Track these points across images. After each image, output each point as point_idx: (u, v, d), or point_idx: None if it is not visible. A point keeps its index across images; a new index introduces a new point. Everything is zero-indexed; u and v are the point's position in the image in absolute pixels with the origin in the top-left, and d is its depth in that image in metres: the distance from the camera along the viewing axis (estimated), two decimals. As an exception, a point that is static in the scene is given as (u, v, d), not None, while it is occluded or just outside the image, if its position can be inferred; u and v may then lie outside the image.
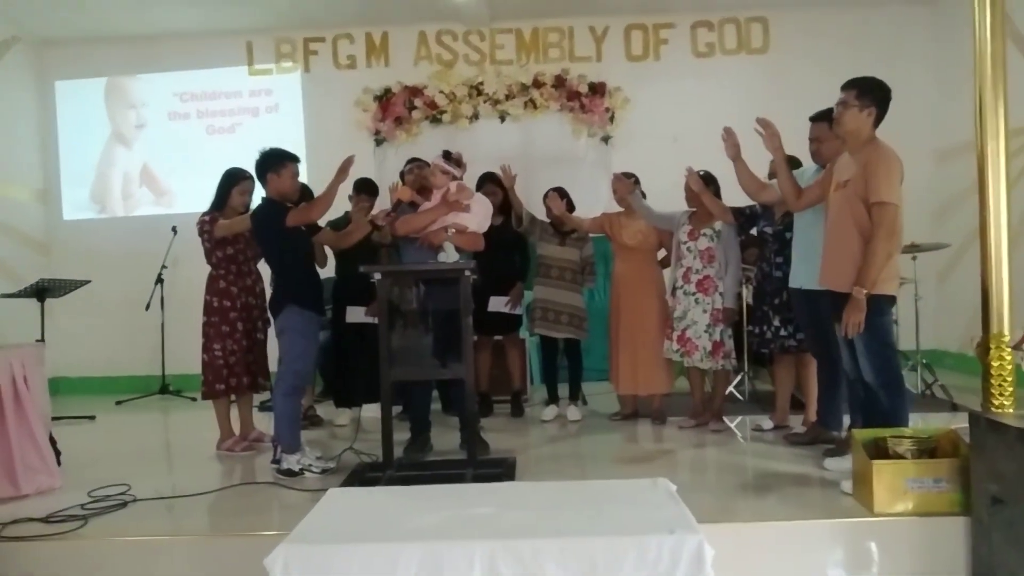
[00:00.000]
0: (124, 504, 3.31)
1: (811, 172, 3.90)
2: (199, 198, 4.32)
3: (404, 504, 2.60)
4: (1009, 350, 2.97)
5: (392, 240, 4.38)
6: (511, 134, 6.77)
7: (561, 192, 4.85)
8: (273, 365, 4.09)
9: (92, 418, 5.57)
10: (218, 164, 4.47)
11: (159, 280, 6.34)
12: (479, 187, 4.85)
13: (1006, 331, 3.07)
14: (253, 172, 3.94)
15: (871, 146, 3.19)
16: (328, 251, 4.82)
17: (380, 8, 6.58)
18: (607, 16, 6.80)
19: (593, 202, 5.65)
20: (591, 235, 4.93)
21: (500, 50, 6.91)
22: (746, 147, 3.82)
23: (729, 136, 3.78)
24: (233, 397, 4.32)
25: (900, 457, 2.93)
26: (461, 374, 3.56)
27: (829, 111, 3.44)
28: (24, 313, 5.54)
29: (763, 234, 4.30)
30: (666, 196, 4.70)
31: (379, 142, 6.84)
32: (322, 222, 4.50)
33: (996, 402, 3.07)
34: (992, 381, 3.07)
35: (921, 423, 4.12)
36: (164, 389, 6.37)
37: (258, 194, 4.05)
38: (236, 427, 4.38)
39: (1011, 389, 3.05)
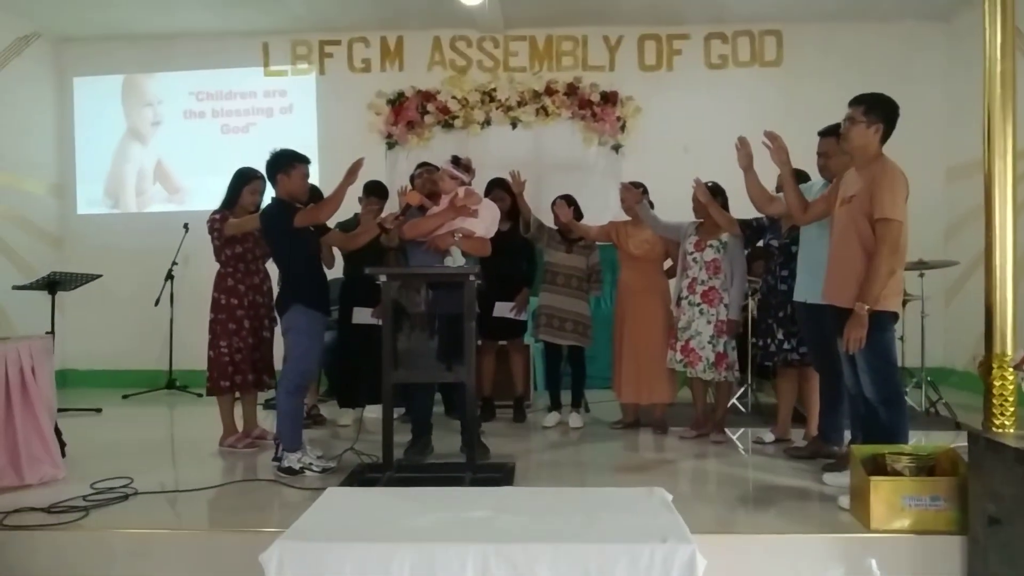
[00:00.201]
0: (125, 497, 3.35)
1: (818, 186, 3.90)
2: (212, 196, 4.38)
3: (400, 505, 2.62)
4: (1011, 370, 2.96)
5: (400, 243, 4.41)
6: (522, 141, 6.81)
7: (569, 200, 4.87)
8: (279, 363, 4.12)
9: (99, 411, 5.62)
10: (231, 163, 4.51)
11: (169, 276, 6.41)
12: (488, 193, 4.87)
13: (1009, 350, 3.06)
14: (264, 172, 3.98)
15: (877, 162, 3.19)
16: (336, 252, 4.86)
17: (396, 13, 6.63)
18: (621, 26, 6.82)
19: (602, 211, 5.66)
20: (598, 243, 4.94)
21: (514, 57, 6.95)
22: (755, 159, 3.82)
23: (743, 146, 3.79)
24: (238, 394, 4.36)
25: (898, 474, 2.93)
26: (463, 378, 3.57)
27: (837, 126, 3.45)
28: (35, 305, 5.61)
29: (769, 247, 4.30)
30: (676, 206, 4.71)
31: (391, 146, 6.89)
32: (332, 223, 4.55)
33: (997, 422, 3.06)
34: (993, 400, 3.07)
35: (924, 441, 4.12)
36: (171, 384, 6.43)
37: (269, 194, 4.09)
38: (240, 424, 4.42)
39: (1012, 409, 3.04)
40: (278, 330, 4.12)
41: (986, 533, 2.63)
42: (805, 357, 4.09)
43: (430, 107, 6.84)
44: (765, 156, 3.68)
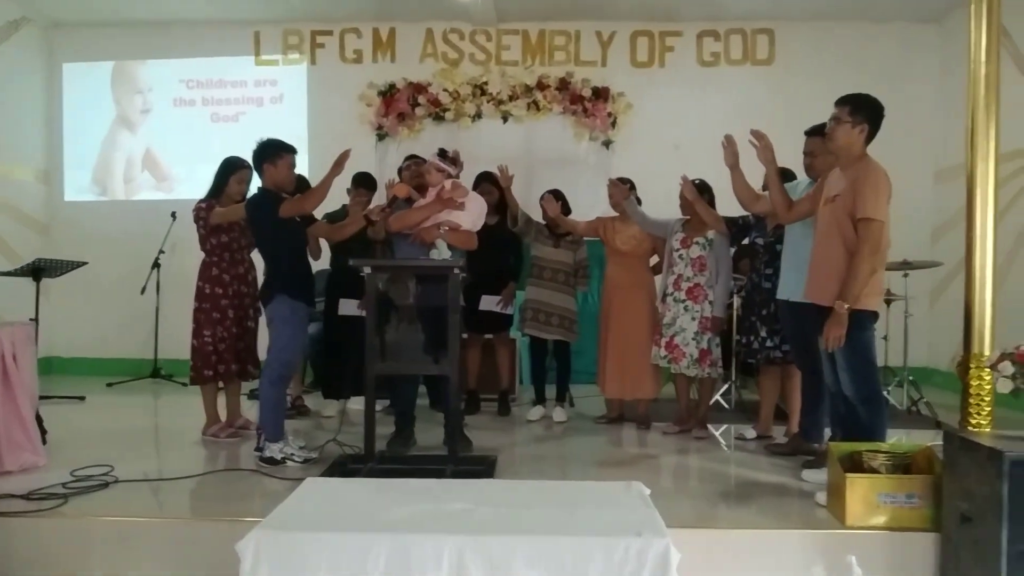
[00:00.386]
0: (105, 484, 3.34)
1: (804, 185, 3.92)
2: (200, 185, 4.36)
3: (378, 496, 2.63)
4: (988, 370, 2.98)
5: (386, 236, 4.41)
6: (513, 135, 6.81)
7: (556, 194, 4.87)
8: (264, 354, 4.11)
9: (82, 399, 5.60)
10: (221, 152, 4.49)
11: (156, 265, 6.38)
12: (476, 186, 4.87)
13: (987, 351, 3.09)
14: (251, 162, 3.97)
15: (861, 162, 3.21)
16: (324, 243, 4.85)
17: (388, 4, 6.61)
18: (614, 21, 6.83)
19: (592, 206, 5.65)
20: (585, 238, 4.95)
21: (506, 51, 6.94)
22: (743, 158, 3.83)
23: (730, 144, 3.80)
24: (221, 384, 4.35)
25: (874, 471, 2.95)
26: (446, 370, 3.58)
27: (823, 125, 3.46)
28: (20, 292, 5.58)
29: (754, 245, 4.32)
30: (665, 203, 4.72)
31: (381, 137, 6.88)
32: (320, 214, 4.54)
33: (974, 421, 3.09)
34: (970, 400, 3.10)
35: (905, 439, 4.15)
36: (156, 373, 6.41)
37: (256, 183, 4.08)
38: (224, 414, 4.41)
39: (988, 409, 3.07)
40: (263, 320, 4.11)
41: (958, 531, 2.66)
42: (788, 355, 4.11)
43: (421, 99, 6.83)
44: (752, 155, 3.69)
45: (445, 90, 6.82)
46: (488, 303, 4.96)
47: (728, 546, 2.87)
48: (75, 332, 6.91)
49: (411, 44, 6.95)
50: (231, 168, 4.26)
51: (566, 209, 4.92)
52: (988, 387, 3.03)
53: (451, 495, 2.61)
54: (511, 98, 6.79)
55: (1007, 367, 2.61)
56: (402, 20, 6.89)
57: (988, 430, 3.04)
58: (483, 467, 3.54)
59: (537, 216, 5.01)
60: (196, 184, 4.80)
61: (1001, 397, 2.90)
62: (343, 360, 4.87)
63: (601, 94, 6.77)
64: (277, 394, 3.80)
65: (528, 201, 5.20)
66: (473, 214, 3.98)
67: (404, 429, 4.09)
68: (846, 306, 3.08)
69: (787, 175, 4.10)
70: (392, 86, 6.86)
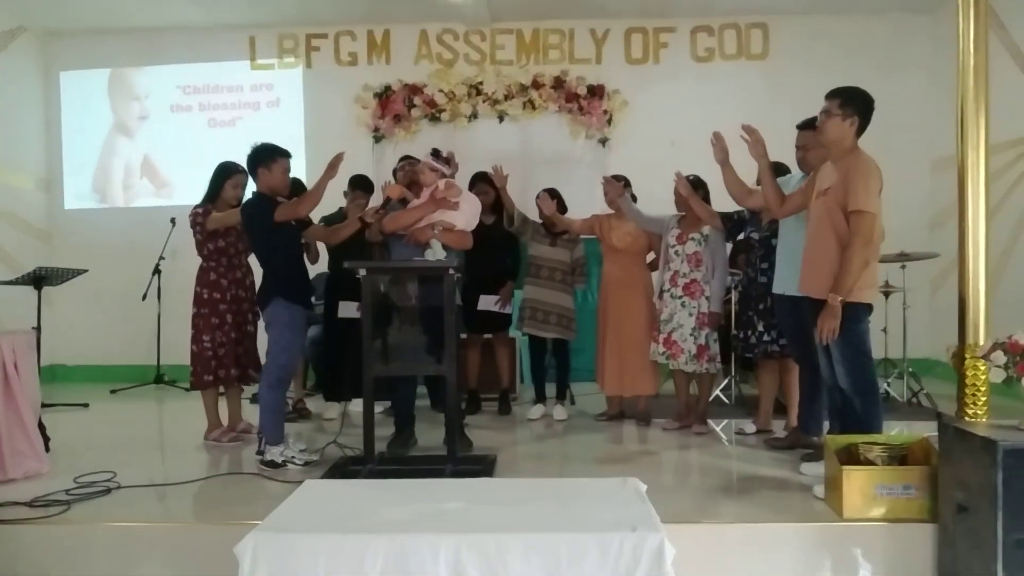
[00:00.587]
0: (108, 491, 3.36)
1: (797, 179, 3.93)
2: (198, 190, 4.38)
3: (376, 497, 2.65)
4: (983, 360, 2.98)
5: (383, 237, 4.42)
6: (509, 134, 6.83)
7: (552, 193, 4.89)
8: (264, 357, 4.13)
9: (86, 406, 5.64)
10: (218, 157, 4.50)
11: (157, 271, 6.41)
12: (472, 186, 4.89)
13: (981, 341, 3.09)
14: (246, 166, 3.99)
15: (852, 155, 3.22)
16: (322, 246, 4.87)
17: (382, 6, 6.62)
18: (608, 19, 6.83)
19: (589, 204, 5.65)
20: (582, 236, 4.97)
21: (500, 50, 6.95)
22: (737, 152, 3.84)
23: (718, 141, 3.82)
24: (222, 388, 4.37)
25: (871, 463, 2.96)
26: (444, 371, 3.60)
27: (815, 119, 3.47)
28: (23, 301, 5.61)
29: (749, 240, 4.33)
30: (662, 200, 4.72)
31: (378, 139, 6.90)
32: (316, 217, 4.56)
33: (970, 411, 3.09)
34: (966, 390, 3.09)
35: (906, 431, 4.15)
36: (159, 379, 6.44)
37: (252, 188, 4.10)
38: (225, 418, 4.44)
39: (984, 399, 3.07)
40: (262, 324, 4.13)
41: (955, 520, 2.67)
42: (785, 349, 4.12)
43: (417, 100, 6.85)
44: (745, 150, 3.70)
45: (440, 91, 6.84)
46: (486, 303, 4.98)
47: (725, 540, 2.88)
48: (78, 339, 6.94)
49: (406, 46, 6.97)
50: (226, 173, 4.28)
51: (562, 207, 4.94)
52: (984, 377, 3.02)
53: (448, 494, 2.63)
54: (507, 97, 6.81)
55: (999, 357, 2.62)
56: (396, 22, 6.90)
57: (985, 420, 3.05)
58: (482, 466, 3.55)
59: (534, 215, 5.02)
60: (195, 190, 4.81)
61: (998, 387, 2.91)
62: (343, 362, 4.89)
63: (596, 92, 6.78)
64: (276, 397, 3.83)
65: (525, 200, 5.22)
66: (467, 214, 3.99)
67: (404, 430, 4.11)
68: (839, 298, 3.09)
69: (781, 169, 4.10)
70: (387, 88, 6.88)
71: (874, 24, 6.72)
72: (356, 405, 4.82)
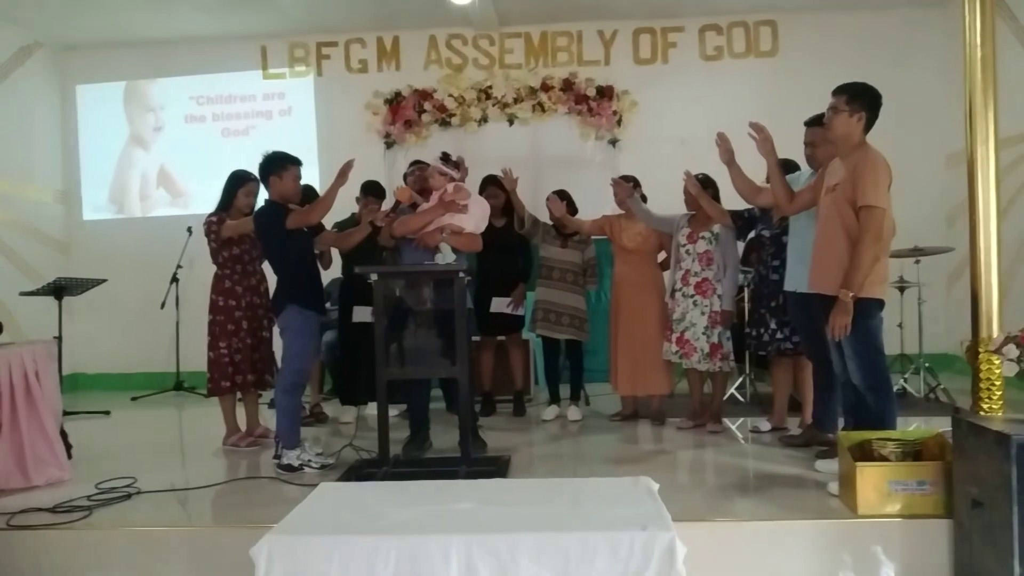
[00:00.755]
0: (128, 496, 3.42)
1: (806, 176, 3.92)
2: (214, 199, 4.45)
3: (389, 499, 2.68)
4: (995, 354, 2.96)
5: (395, 241, 4.46)
6: (519, 137, 6.86)
7: (561, 194, 4.90)
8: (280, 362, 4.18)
9: (107, 413, 5.73)
10: (232, 166, 4.56)
11: (174, 279, 6.50)
12: (482, 190, 4.93)
13: (995, 335, 3.06)
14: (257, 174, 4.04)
15: (860, 151, 3.21)
16: (336, 253, 4.91)
17: (391, 13, 6.68)
18: (615, 20, 6.85)
19: (601, 205, 5.66)
20: (593, 237, 4.98)
21: (509, 54, 6.99)
22: (746, 150, 3.83)
23: (723, 142, 3.83)
24: (239, 394, 4.43)
25: (884, 459, 2.95)
26: (455, 373, 3.62)
27: (823, 115, 3.46)
28: (44, 311, 5.71)
29: (760, 237, 4.32)
30: (673, 199, 4.71)
31: (389, 145, 6.95)
32: (329, 223, 4.61)
33: (985, 405, 3.06)
34: (981, 385, 3.07)
35: (924, 426, 4.12)
36: (179, 386, 6.53)
37: (264, 195, 4.14)
38: (243, 423, 4.49)
39: (999, 393, 3.04)
40: (277, 329, 4.18)
41: (970, 516, 2.65)
42: (799, 346, 4.11)
43: (427, 106, 6.90)
44: (754, 147, 3.69)
45: (450, 96, 6.88)
46: (499, 305, 5.00)
47: (739, 538, 2.87)
48: (99, 349, 7.05)
49: (415, 52, 7.02)
50: (238, 181, 4.34)
51: (572, 209, 4.95)
52: (998, 371, 3.00)
53: (459, 495, 2.65)
54: (516, 101, 6.84)
55: (1011, 350, 2.61)
56: (405, 28, 6.96)
57: (1000, 414, 3.02)
58: (496, 467, 3.57)
59: (545, 217, 5.04)
60: (210, 199, 4.88)
61: (1013, 380, 2.88)
62: (358, 367, 4.93)
63: (605, 93, 6.80)
64: (292, 402, 3.87)
65: (537, 202, 5.24)
66: (476, 217, 4.02)
67: (418, 433, 4.14)
68: (851, 294, 3.08)
69: (790, 166, 4.10)
70: (398, 94, 6.94)
71: (884, 18, 6.68)
72: (371, 408, 4.87)
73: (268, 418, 4.74)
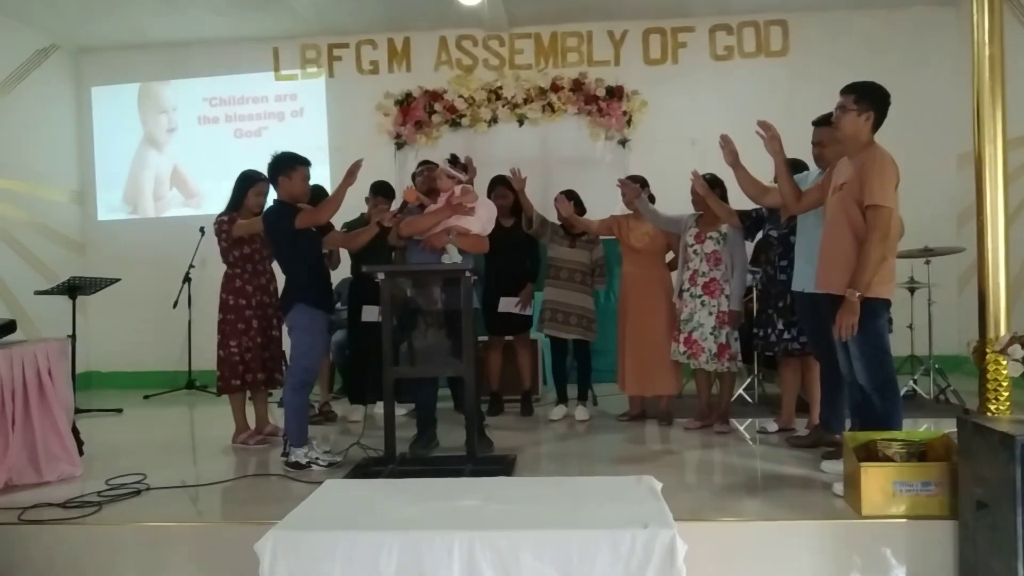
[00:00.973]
0: (138, 492, 3.47)
1: (814, 175, 3.91)
2: (226, 200, 4.49)
3: (393, 495, 2.70)
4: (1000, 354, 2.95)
5: (402, 242, 4.49)
6: (529, 138, 6.88)
7: (569, 194, 4.91)
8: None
9: (119, 411, 5.79)
10: (245, 167, 4.60)
11: (187, 279, 6.56)
12: (491, 190, 4.95)
13: (1002, 335, 3.05)
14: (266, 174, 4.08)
15: (868, 150, 3.20)
16: (345, 253, 4.95)
17: (402, 15, 6.71)
18: (625, 20, 6.84)
19: (610, 205, 5.65)
20: (601, 237, 4.99)
21: (519, 55, 7.00)
22: (754, 150, 3.82)
23: (726, 143, 3.83)
24: (249, 392, 4.47)
25: (889, 460, 2.94)
26: (461, 372, 3.64)
27: (831, 115, 3.45)
28: (58, 310, 5.79)
29: (768, 237, 4.31)
30: (683, 199, 4.70)
31: (400, 145, 6.99)
32: (338, 223, 4.64)
33: (992, 406, 3.06)
34: (988, 386, 3.06)
35: (933, 428, 4.11)
36: (191, 384, 6.58)
37: (272, 196, 4.19)
38: (253, 421, 4.53)
39: (1006, 394, 3.04)
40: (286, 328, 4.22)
41: (974, 517, 2.64)
42: (806, 347, 4.09)
43: (437, 107, 6.92)
44: (762, 146, 3.68)
45: (460, 96, 6.91)
46: (507, 305, 5.02)
47: (742, 537, 2.88)
48: (112, 347, 7.13)
49: (425, 53, 7.05)
50: (248, 181, 4.39)
51: (580, 209, 4.96)
52: (1004, 372, 3.00)
53: (462, 493, 2.66)
54: (526, 101, 6.85)
55: (1017, 350, 2.59)
56: (416, 29, 6.99)
57: (1008, 415, 3.01)
58: (501, 466, 3.58)
59: (554, 217, 5.05)
60: (222, 199, 4.96)
61: (1020, 381, 2.87)
62: (367, 366, 4.96)
63: (615, 93, 6.80)
64: (300, 400, 3.90)
65: (546, 203, 5.26)
66: (483, 218, 4.04)
67: (425, 431, 4.16)
68: (857, 294, 3.07)
69: (797, 166, 4.08)
70: (408, 95, 6.97)
71: (896, 17, 6.64)
72: (380, 408, 4.90)
73: (277, 416, 4.79)
